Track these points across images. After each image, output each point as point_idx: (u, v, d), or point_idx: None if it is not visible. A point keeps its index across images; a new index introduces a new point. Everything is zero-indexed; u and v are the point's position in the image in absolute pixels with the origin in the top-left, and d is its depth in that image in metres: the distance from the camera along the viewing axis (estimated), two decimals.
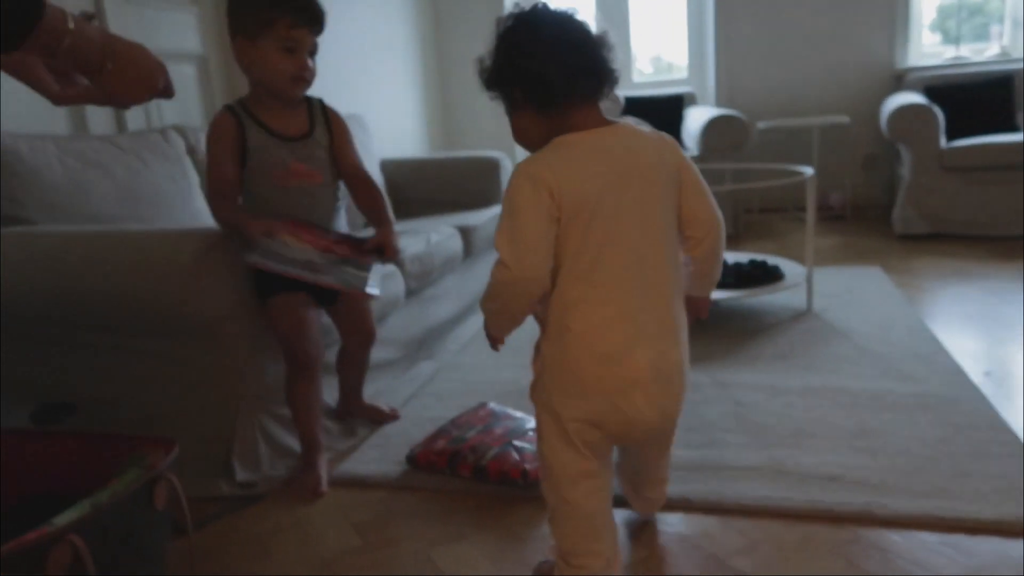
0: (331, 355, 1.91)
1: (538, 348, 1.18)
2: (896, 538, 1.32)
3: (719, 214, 1.18)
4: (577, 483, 1.13)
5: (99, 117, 2.46)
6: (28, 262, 1.66)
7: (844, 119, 4.32)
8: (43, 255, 1.66)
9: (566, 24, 1.09)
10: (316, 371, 1.69)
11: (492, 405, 1.89)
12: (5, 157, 1.78)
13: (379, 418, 1.93)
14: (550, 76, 1.06)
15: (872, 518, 1.38)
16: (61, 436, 1.31)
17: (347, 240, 1.73)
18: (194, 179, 2.32)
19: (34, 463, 1.29)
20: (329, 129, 1.74)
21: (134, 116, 2.59)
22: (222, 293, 1.58)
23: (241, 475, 1.65)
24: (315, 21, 1.60)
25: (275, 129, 1.65)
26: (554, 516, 1.17)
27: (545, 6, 1.11)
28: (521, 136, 1.17)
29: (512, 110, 1.15)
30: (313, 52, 1.64)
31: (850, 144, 4.53)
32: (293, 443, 1.76)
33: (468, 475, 1.62)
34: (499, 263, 1.06)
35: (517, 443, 1.65)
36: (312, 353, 1.67)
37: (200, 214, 2.27)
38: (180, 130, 2.40)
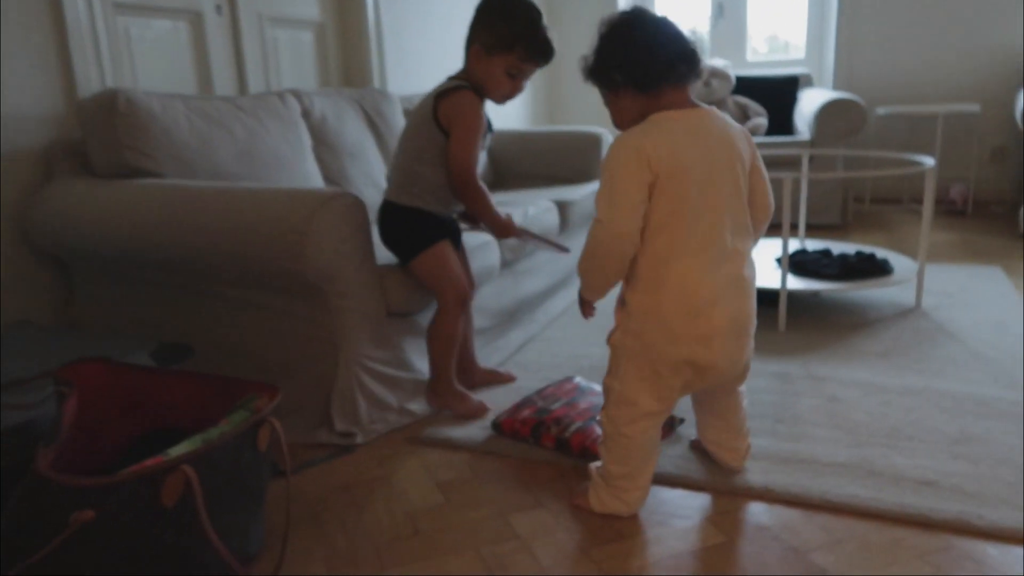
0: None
1: (622, 300, 1.35)
2: (992, 551, 1.27)
3: (773, 203, 1.42)
4: (637, 422, 1.34)
5: (223, 79, 2.59)
6: (156, 212, 1.79)
7: (974, 107, 4.05)
8: (171, 206, 1.79)
9: (661, 22, 1.31)
10: (470, 305, 1.86)
11: (578, 379, 1.92)
12: (142, 114, 1.92)
13: (498, 380, 2.03)
14: (648, 59, 1.27)
15: (967, 528, 1.33)
16: (179, 375, 1.42)
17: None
18: (307, 141, 2.42)
19: (155, 398, 1.40)
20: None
21: (254, 78, 2.72)
22: (328, 253, 1.65)
23: (340, 425, 1.74)
24: (545, 59, 1.78)
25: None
26: (608, 443, 1.38)
27: (643, 8, 1.34)
28: (619, 116, 1.35)
29: (612, 93, 1.34)
30: (529, 77, 1.81)
31: (978, 134, 4.25)
32: (391, 399, 1.83)
33: (551, 446, 1.65)
34: (597, 221, 1.27)
35: (600, 417, 1.66)
36: (468, 288, 1.87)
37: (311, 177, 2.37)
38: (296, 94, 2.51)
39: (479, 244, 2.18)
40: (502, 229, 1.83)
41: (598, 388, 1.85)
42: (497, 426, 1.74)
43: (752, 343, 1.38)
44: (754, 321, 1.36)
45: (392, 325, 1.87)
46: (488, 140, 1.87)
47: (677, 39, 1.29)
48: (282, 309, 1.80)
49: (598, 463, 1.45)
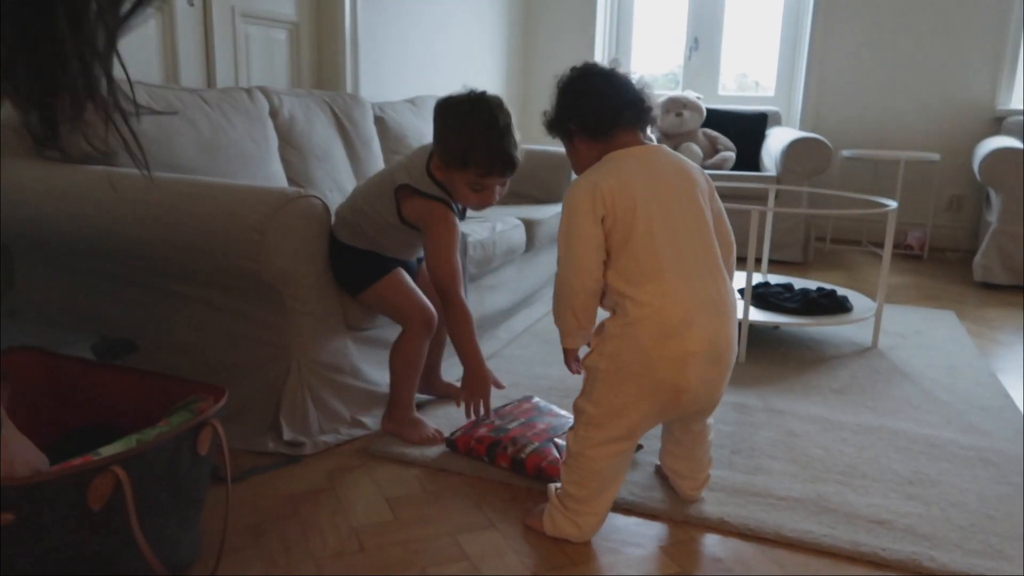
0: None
1: (602, 326, 1.34)
2: None
3: (733, 238, 1.46)
4: (603, 446, 1.32)
5: (190, 71, 2.52)
6: (105, 200, 1.72)
7: (934, 156, 4.16)
8: (124, 195, 1.71)
9: (609, 74, 1.40)
10: (433, 327, 1.76)
11: (536, 399, 1.88)
12: None
13: (455, 395, 1.92)
14: (598, 107, 1.37)
15: (918, 569, 1.32)
16: (119, 370, 1.35)
17: None
18: (274, 141, 2.36)
19: (92, 393, 1.33)
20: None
21: (223, 73, 2.65)
22: (287, 254, 1.60)
23: (288, 434, 1.68)
24: (506, 172, 1.65)
25: (459, 209, 1.76)
26: (570, 462, 1.35)
27: (594, 63, 1.43)
28: (578, 163, 1.42)
29: (570, 142, 1.42)
30: (503, 184, 1.69)
31: (936, 183, 4.36)
32: (343, 410, 1.77)
33: (506, 466, 1.61)
34: (558, 260, 1.32)
35: (558, 440, 1.63)
36: (431, 309, 1.75)
37: (276, 177, 2.31)
38: (265, 91, 2.45)
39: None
40: (475, 377, 1.69)
41: (557, 410, 1.82)
42: (452, 443, 1.70)
43: (731, 369, 1.35)
44: (735, 347, 1.35)
45: (350, 333, 1.81)
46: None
47: (625, 88, 1.38)
48: (235, 309, 1.74)
49: (557, 484, 1.42)
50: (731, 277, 1.41)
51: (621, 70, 1.41)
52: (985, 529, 1.45)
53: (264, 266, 1.60)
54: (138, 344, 1.61)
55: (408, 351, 1.75)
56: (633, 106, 1.37)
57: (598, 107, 1.36)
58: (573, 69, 1.42)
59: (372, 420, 1.81)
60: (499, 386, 1.92)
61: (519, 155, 1.65)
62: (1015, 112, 4.17)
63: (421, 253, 1.87)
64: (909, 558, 1.34)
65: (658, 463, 1.60)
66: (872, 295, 2.67)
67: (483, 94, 1.63)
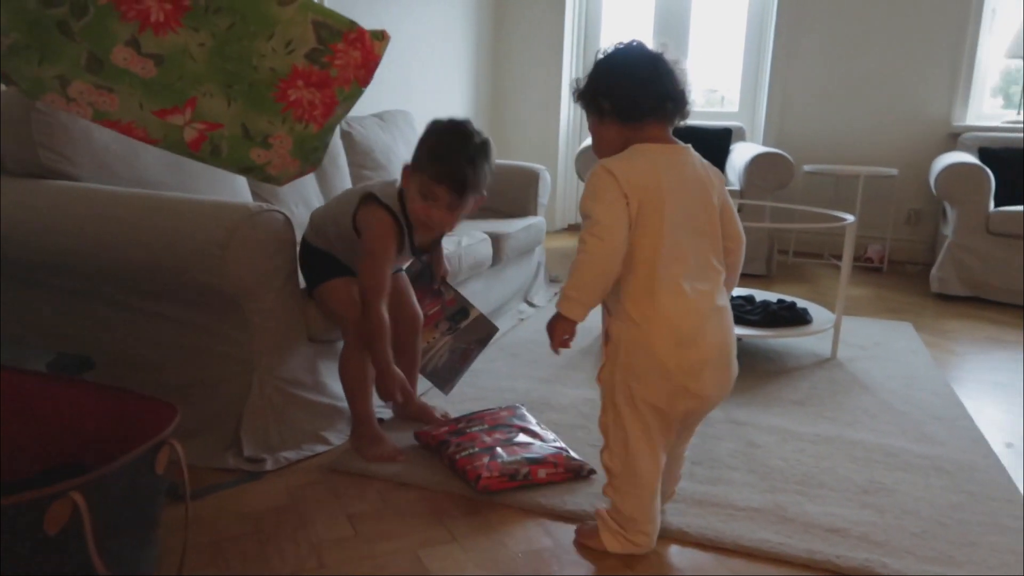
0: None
1: (608, 335, 1.34)
2: None
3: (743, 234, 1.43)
4: (650, 455, 1.32)
5: None
6: (70, 216, 1.70)
7: (892, 171, 4.26)
8: (86, 211, 1.70)
9: (657, 59, 1.32)
10: (415, 336, 1.81)
11: (522, 410, 1.90)
12: (61, 113, 1.83)
13: (428, 419, 1.91)
14: (639, 93, 1.30)
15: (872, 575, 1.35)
16: (76, 385, 1.33)
17: (431, 299, 2.00)
18: None
19: (48, 408, 1.31)
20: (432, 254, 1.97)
21: None
22: (249, 268, 1.60)
23: (249, 450, 1.67)
24: (455, 188, 1.63)
25: (417, 245, 1.79)
26: (620, 485, 1.35)
27: (642, 43, 1.35)
28: (601, 144, 1.37)
29: (599, 121, 1.36)
30: (455, 210, 1.67)
31: (895, 198, 4.47)
32: (306, 425, 1.77)
33: (445, 463, 1.67)
34: (593, 236, 1.25)
35: (500, 450, 1.64)
36: (413, 318, 1.79)
37: (240, 192, 2.30)
38: None
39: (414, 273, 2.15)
40: (385, 382, 1.67)
41: (534, 425, 1.82)
42: (417, 436, 1.78)
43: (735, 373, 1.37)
44: (735, 350, 1.37)
45: (313, 347, 1.81)
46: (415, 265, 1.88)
47: (670, 76, 1.31)
48: (196, 324, 1.73)
49: (604, 505, 1.42)
50: (739, 270, 1.43)
51: (670, 56, 1.33)
52: (937, 536, 1.49)
53: (226, 281, 1.59)
54: (95, 361, 1.59)
55: (350, 364, 1.75)
56: (675, 99, 1.32)
57: (639, 92, 1.30)
58: (622, 47, 1.35)
59: (335, 435, 1.81)
60: (434, 418, 1.90)
61: (479, 187, 1.66)
62: (970, 128, 4.29)
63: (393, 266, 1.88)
64: (863, 565, 1.37)
65: None
66: (832, 307, 2.72)
67: (472, 126, 1.68)
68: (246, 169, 1.53)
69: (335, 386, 1.83)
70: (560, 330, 1.34)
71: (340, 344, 1.88)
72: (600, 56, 1.37)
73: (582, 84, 1.37)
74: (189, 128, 1.42)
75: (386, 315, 1.67)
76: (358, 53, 1.39)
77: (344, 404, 1.82)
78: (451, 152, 1.62)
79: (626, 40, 1.37)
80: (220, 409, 1.71)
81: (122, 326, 1.78)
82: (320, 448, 1.76)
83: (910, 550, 1.43)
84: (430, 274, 2.02)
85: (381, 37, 1.43)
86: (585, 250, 1.27)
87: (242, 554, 1.35)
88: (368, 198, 1.70)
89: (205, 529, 1.42)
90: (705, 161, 1.38)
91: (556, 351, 1.38)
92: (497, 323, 2.86)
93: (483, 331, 2.00)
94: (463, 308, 2.01)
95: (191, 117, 1.41)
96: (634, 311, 1.28)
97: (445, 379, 2.00)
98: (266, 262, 1.63)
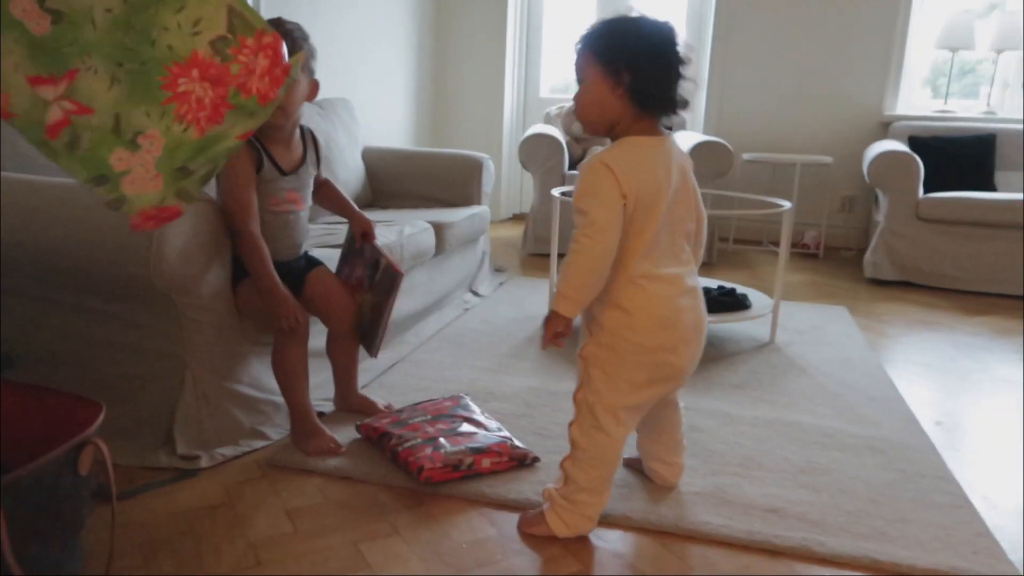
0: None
1: (591, 316, 1.38)
2: None
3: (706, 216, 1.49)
4: (613, 432, 1.37)
5: None
6: None
7: (827, 160, 4.36)
8: (2, 201, 1.61)
9: (685, 57, 1.30)
10: (304, 335, 1.70)
11: (466, 400, 1.88)
12: None
13: (372, 412, 1.88)
14: (666, 88, 1.29)
15: (809, 555, 1.38)
16: None
17: (360, 263, 1.93)
18: None
19: None
20: (317, 157, 1.87)
21: None
22: (180, 259, 1.54)
23: (183, 447, 1.61)
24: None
25: (281, 164, 1.73)
26: (580, 456, 1.38)
27: (675, 30, 1.31)
28: (591, 106, 1.33)
29: (608, 87, 1.29)
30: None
31: (830, 185, 4.58)
32: (242, 419, 1.72)
33: (388, 455, 1.64)
34: (588, 237, 1.27)
35: (443, 440, 1.63)
36: (301, 317, 1.69)
37: None
38: None
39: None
40: (274, 303, 1.63)
41: (475, 414, 1.80)
42: (358, 427, 1.76)
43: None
44: (706, 323, 1.44)
45: (248, 340, 1.76)
46: (299, 178, 1.78)
47: (685, 78, 1.31)
48: (126, 319, 1.66)
49: (555, 485, 1.43)
50: (704, 245, 1.50)
51: (691, 64, 1.32)
52: (871, 513, 1.53)
53: (155, 273, 1.53)
54: (14, 359, 1.51)
55: (283, 357, 1.70)
56: (683, 105, 1.33)
57: (668, 88, 1.30)
58: (664, 28, 1.29)
59: (274, 430, 1.76)
60: (377, 410, 1.88)
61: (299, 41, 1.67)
62: (900, 117, 4.42)
63: (301, 250, 1.85)
64: (800, 544, 1.40)
65: (630, 457, 1.65)
66: (771, 293, 2.77)
67: None
68: (97, 179, 1.29)
69: (272, 380, 1.78)
70: (554, 327, 1.36)
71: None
72: (636, 18, 1.30)
73: (606, 40, 1.30)
74: (56, 106, 1.24)
75: (259, 234, 1.64)
76: (266, 62, 1.29)
77: (282, 398, 1.77)
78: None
79: (663, 23, 1.30)
80: (152, 406, 1.65)
81: (46, 322, 1.70)
82: (258, 444, 1.71)
83: (845, 528, 1.46)
84: (351, 238, 1.98)
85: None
86: (579, 251, 1.29)
87: (175, 554, 1.30)
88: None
89: (136, 530, 1.37)
90: (683, 151, 1.40)
91: (547, 347, 1.40)
92: (440, 313, 2.86)
93: (389, 279, 1.87)
94: (376, 260, 1.92)
95: (64, 92, 1.24)
96: (623, 299, 1.33)
97: (368, 340, 1.91)
98: (197, 252, 1.57)
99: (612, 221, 1.27)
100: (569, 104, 4.42)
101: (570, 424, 1.41)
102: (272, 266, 1.65)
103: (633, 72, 1.28)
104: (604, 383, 1.36)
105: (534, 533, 1.41)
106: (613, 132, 1.35)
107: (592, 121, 1.34)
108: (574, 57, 1.34)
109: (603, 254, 1.28)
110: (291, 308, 1.64)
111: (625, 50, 1.29)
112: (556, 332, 1.36)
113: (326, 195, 1.96)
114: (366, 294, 1.88)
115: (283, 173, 1.73)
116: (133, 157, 1.28)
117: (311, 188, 1.85)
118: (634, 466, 1.66)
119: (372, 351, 1.91)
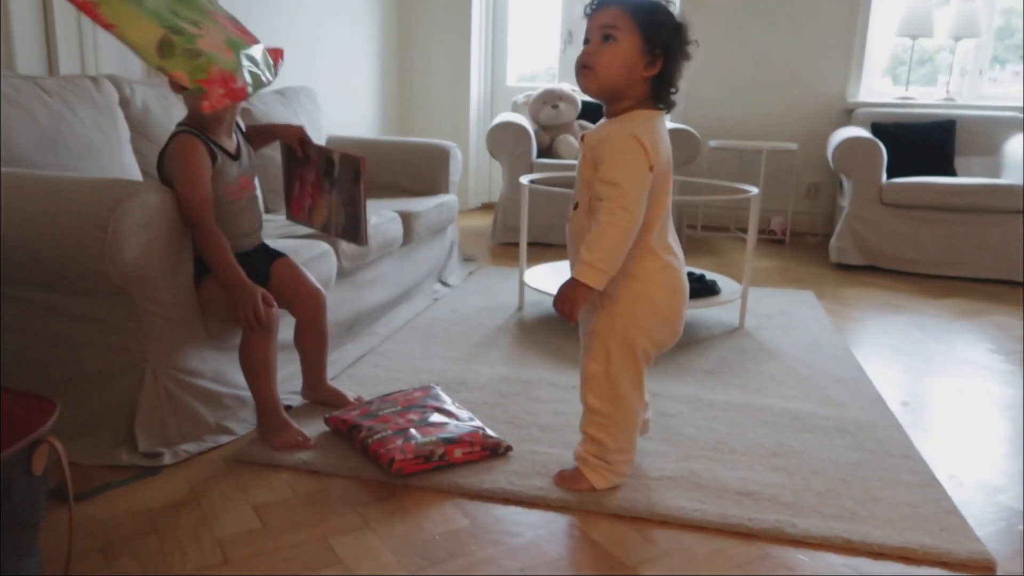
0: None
1: (606, 292, 1.41)
2: (803, 558, 1.32)
3: None
4: (637, 393, 1.48)
5: (28, 57, 2.32)
6: None
7: (792, 146, 4.40)
8: None
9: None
10: (274, 328, 1.66)
11: (437, 390, 1.86)
12: None
13: (341, 404, 1.84)
14: (677, 87, 1.41)
15: (782, 536, 1.38)
16: None
17: (307, 170, 1.92)
18: (124, 132, 2.20)
19: None
20: (248, 140, 1.85)
21: (67, 61, 2.45)
22: (136, 252, 1.49)
23: (144, 444, 1.57)
24: None
25: (227, 148, 1.70)
26: (607, 423, 1.47)
27: None
28: (616, 72, 1.35)
29: (641, 59, 1.35)
30: None
31: (796, 172, 4.62)
32: (206, 415, 1.67)
33: (358, 448, 1.62)
34: (623, 209, 1.32)
35: (413, 431, 1.61)
36: (270, 311, 1.64)
37: (128, 170, 2.16)
38: (114, 80, 2.28)
39: (317, 254, 2.07)
40: (240, 296, 1.59)
41: (446, 404, 1.78)
42: (327, 420, 1.73)
43: None
44: None
45: (210, 335, 1.71)
46: (242, 165, 1.74)
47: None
48: (82, 314, 1.60)
49: (581, 447, 1.51)
50: None
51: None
52: (841, 494, 1.54)
53: (112, 266, 1.48)
54: None
55: (249, 350, 1.65)
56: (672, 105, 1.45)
57: (679, 75, 1.40)
58: (687, 26, 1.40)
59: (240, 425, 1.72)
60: (347, 402, 1.85)
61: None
62: (863, 104, 4.47)
63: (260, 236, 1.82)
64: (773, 526, 1.40)
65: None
66: (739, 279, 2.79)
67: None
68: (173, 28, 1.40)
69: (236, 375, 1.74)
70: (582, 300, 1.37)
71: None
72: (680, 24, 1.39)
73: (655, 17, 1.35)
74: None
75: (216, 227, 1.61)
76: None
77: (248, 393, 1.73)
78: None
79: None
80: (112, 403, 1.60)
81: (1, 319, 1.64)
82: (224, 439, 1.67)
83: (816, 509, 1.47)
84: (288, 150, 1.97)
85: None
86: (615, 222, 1.32)
87: (138, 555, 1.26)
88: (167, 144, 1.65)
89: (97, 531, 1.33)
90: None
91: (574, 321, 1.42)
92: (410, 303, 2.83)
93: (351, 168, 1.84)
94: (327, 158, 1.89)
95: None
96: (636, 268, 1.40)
97: (352, 233, 1.90)
98: (155, 245, 1.52)
99: (642, 192, 1.33)
100: (537, 91, 4.39)
101: (584, 394, 1.48)
102: (234, 258, 1.61)
103: (667, 60, 1.36)
104: (621, 354, 1.43)
105: (578, 489, 1.48)
106: (616, 101, 1.39)
107: (609, 82, 1.36)
108: (601, 8, 1.37)
109: (635, 226, 1.34)
110: (257, 300, 1.59)
111: (668, 36, 1.36)
112: (577, 308, 1.37)
113: (258, 140, 1.94)
114: (330, 194, 1.87)
115: (234, 158, 1.71)
116: (204, 28, 1.43)
117: (255, 170, 1.85)
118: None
119: (361, 240, 1.93)
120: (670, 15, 1.38)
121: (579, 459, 1.51)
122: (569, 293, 1.37)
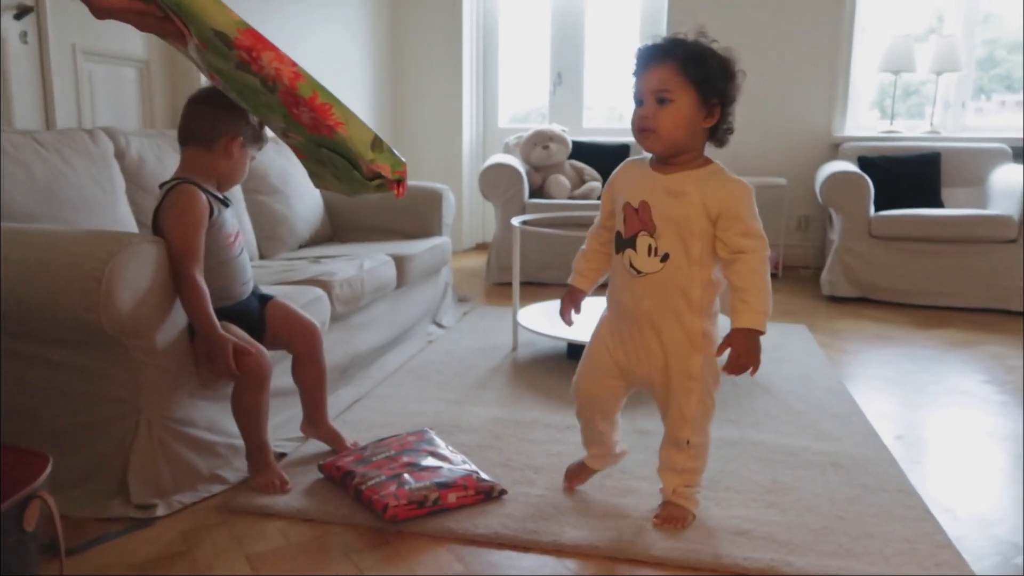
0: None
1: (701, 332, 1.49)
2: None
3: None
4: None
5: (25, 112, 2.36)
6: None
7: (781, 181, 4.46)
8: None
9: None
10: (267, 379, 1.68)
11: (431, 434, 1.86)
12: None
13: (338, 446, 1.86)
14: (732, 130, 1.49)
15: (777, 575, 1.38)
16: None
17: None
18: (120, 184, 2.24)
19: None
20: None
21: (64, 114, 2.50)
22: (130, 302, 1.51)
23: (138, 496, 1.57)
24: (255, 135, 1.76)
25: (219, 196, 1.73)
26: (702, 452, 1.56)
27: None
28: (679, 132, 1.40)
29: (695, 111, 1.40)
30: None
31: (786, 206, 4.67)
32: (199, 464, 1.67)
33: (351, 495, 1.61)
34: (763, 242, 1.41)
35: (407, 476, 1.61)
36: (262, 360, 1.66)
37: (124, 221, 2.19)
38: (110, 132, 2.32)
39: (311, 299, 2.09)
40: (215, 347, 1.60)
41: (441, 448, 1.78)
42: (321, 467, 1.73)
43: None
44: None
45: (204, 384, 1.72)
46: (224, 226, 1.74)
47: None
48: (75, 365, 1.61)
49: (671, 485, 1.56)
50: None
51: None
52: (836, 530, 1.53)
53: (105, 316, 1.50)
54: None
55: (239, 402, 1.68)
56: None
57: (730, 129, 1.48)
58: (736, 64, 1.46)
59: (232, 473, 1.72)
60: (343, 446, 1.85)
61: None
62: (849, 139, 4.54)
63: (249, 288, 1.81)
64: (768, 565, 1.40)
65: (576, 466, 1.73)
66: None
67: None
68: (374, 143, 1.63)
69: (230, 423, 1.74)
70: (758, 347, 1.44)
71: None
72: (724, 51, 1.44)
73: (707, 70, 1.39)
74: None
75: (202, 280, 1.61)
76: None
77: (241, 441, 1.73)
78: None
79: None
80: (105, 455, 1.61)
81: None
82: (217, 488, 1.67)
83: (811, 547, 1.47)
84: None
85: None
86: (766, 270, 1.42)
87: None
88: (165, 194, 1.67)
89: None
90: None
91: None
92: (404, 346, 2.83)
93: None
94: None
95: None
96: (714, 309, 1.52)
97: None
98: (148, 295, 1.54)
99: None
100: (527, 133, 4.45)
101: (684, 436, 1.52)
102: (212, 312, 1.62)
103: (723, 110, 1.42)
104: (714, 388, 1.53)
105: (685, 525, 1.53)
106: (679, 154, 1.44)
107: (675, 142, 1.40)
108: (650, 68, 1.38)
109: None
110: (228, 352, 1.60)
111: (722, 86, 1.41)
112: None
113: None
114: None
115: (226, 205, 1.75)
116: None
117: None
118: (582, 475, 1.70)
119: None
120: (718, 58, 1.41)
121: (675, 496, 1.55)
122: (754, 344, 1.43)
